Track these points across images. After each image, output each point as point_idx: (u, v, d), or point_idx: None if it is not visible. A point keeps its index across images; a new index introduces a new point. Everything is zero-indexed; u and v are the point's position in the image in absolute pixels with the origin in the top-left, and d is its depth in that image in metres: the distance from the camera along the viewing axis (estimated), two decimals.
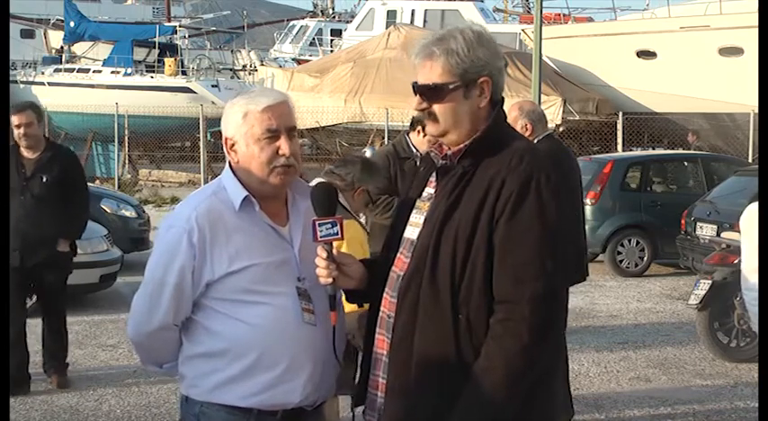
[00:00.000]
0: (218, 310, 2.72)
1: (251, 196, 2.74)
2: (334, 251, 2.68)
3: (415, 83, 2.61)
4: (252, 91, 2.86)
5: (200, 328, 2.76)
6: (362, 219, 4.82)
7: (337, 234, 2.65)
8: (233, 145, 2.77)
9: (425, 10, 34.76)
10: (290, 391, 2.72)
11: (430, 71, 2.58)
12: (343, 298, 2.86)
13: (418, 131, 5.60)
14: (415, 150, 5.67)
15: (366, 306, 2.80)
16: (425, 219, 2.61)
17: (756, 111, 16.73)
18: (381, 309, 2.67)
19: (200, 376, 2.76)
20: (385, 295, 2.66)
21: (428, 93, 2.59)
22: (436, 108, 2.59)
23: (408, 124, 5.98)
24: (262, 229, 2.75)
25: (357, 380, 2.81)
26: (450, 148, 2.64)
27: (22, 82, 31.80)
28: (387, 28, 28.94)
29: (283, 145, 2.72)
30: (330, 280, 2.65)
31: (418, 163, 5.39)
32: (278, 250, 2.76)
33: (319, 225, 2.64)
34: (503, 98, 2.66)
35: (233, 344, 2.70)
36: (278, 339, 2.70)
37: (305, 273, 2.75)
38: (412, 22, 33.28)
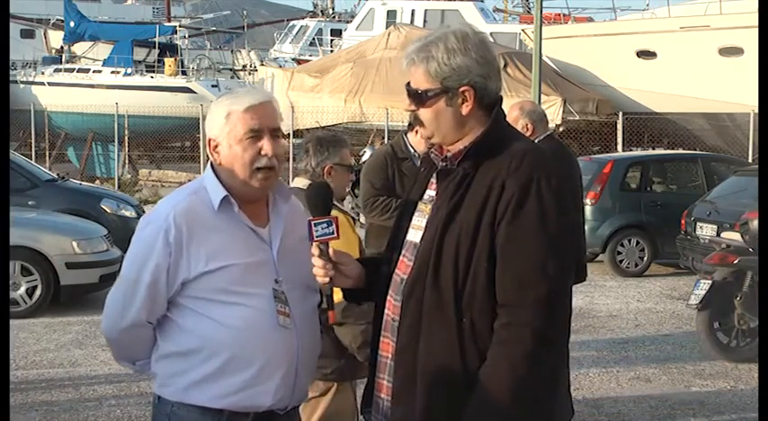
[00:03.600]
0: (193, 309, 2.71)
1: (230, 196, 2.72)
2: (331, 250, 2.67)
3: (408, 84, 2.63)
4: (236, 91, 2.84)
5: (174, 327, 2.74)
6: (347, 205, 4.68)
7: (333, 234, 2.64)
8: (216, 146, 2.76)
9: (425, 10, 34.72)
10: (261, 394, 2.71)
11: (414, 77, 2.60)
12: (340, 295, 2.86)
13: (416, 131, 5.52)
14: (413, 150, 5.63)
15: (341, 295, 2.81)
16: (427, 223, 2.60)
17: (756, 111, 16.73)
18: (386, 312, 2.66)
19: (172, 375, 2.75)
20: (389, 298, 2.65)
21: (414, 97, 2.61)
22: (421, 112, 2.61)
23: (407, 124, 5.96)
24: (240, 230, 2.74)
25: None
26: (449, 150, 2.63)
27: (22, 82, 31.74)
28: (387, 28, 28.90)
29: (266, 145, 2.70)
30: (327, 279, 2.65)
31: (417, 163, 5.36)
32: (256, 251, 2.74)
33: (315, 225, 2.64)
34: (500, 98, 2.65)
35: (205, 344, 2.69)
36: (251, 341, 2.69)
37: (283, 276, 2.74)
38: (412, 22, 33.25)
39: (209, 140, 2.77)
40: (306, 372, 2.80)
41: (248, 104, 2.71)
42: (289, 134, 21.88)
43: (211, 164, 2.79)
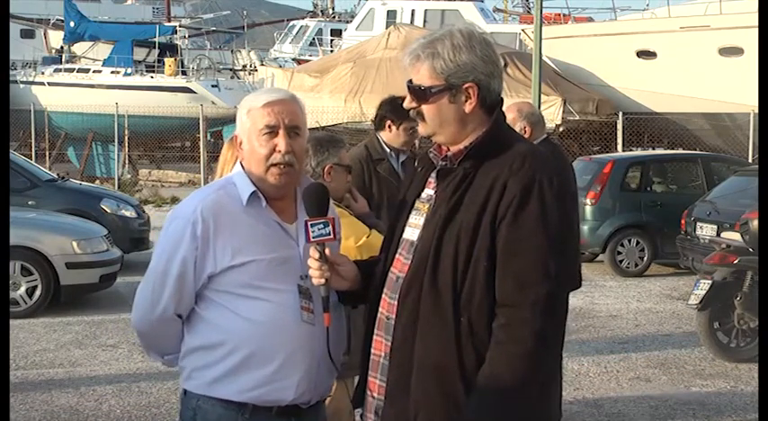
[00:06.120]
0: (219, 303, 2.74)
1: (258, 192, 2.76)
2: (327, 251, 2.67)
3: (410, 81, 2.63)
4: (261, 89, 2.89)
5: (200, 320, 2.78)
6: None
7: (330, 234, 2.65)
8: (240, 142, 2.81)
9: (425, 10, 34.73)
10: (284, 389, 2.73)
11: (417, 73, 2.60)
12: None
13: (389, 127, 5.25)
14: (388, 150, 5.32)
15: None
16: (426, 222, 2.60)
17: (756, 111, 16.73)
18: (380, 310, 2.66)
19: (197, 369, 2.78)
20: (383, 296, 2.66)
21: (416, 93, 2.61)
22: (424, 109, 2.61)
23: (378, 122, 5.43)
24: (268, 225, 2.77)
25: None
26: (449, 149, 2.63)
27: (22, 82, 31.74)
28: (387, 28, 28.90)
29: (281, 142, 2.73)
30: (323, 281, 2.66)
31: (392, 163, 5.25)
32: (282, 247, 2.77)
33: (311, 225, 2.65)
34: (501, 99, 2.65)
35: (229, 338, 2.72)
36: (274, 336, 2.71)
37: (308, 271, 2.75)
38: (412, 22, 33.27)
39: (235, 137, 2.85)
40: (329, 368, 2.81)
41: (265, 101, 2.75)
42: None
43: (240, 160, 2.84)
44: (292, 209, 2.83)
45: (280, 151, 2.72)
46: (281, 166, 2.73)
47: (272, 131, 2.73)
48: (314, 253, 2.66)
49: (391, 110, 5.13)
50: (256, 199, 2.75)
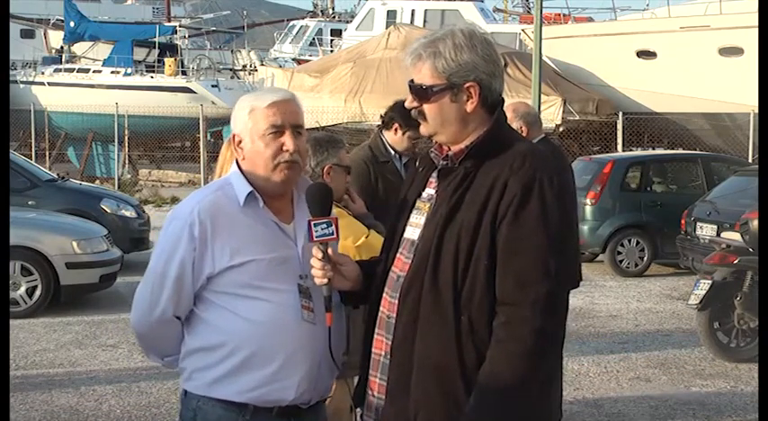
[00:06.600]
0: (218, 304, 2.74)
1: (255, 192, 2.75)
2: (330, 251, 2.67)
3: (411, 81, 2.63)
4: (260, 89, 2.88)
5: (200, 322, 2.77)
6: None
7: (333, 234, 2.65)
8: (240, 142, 2.80)
9: (425, 10, 34.74)
10: (284, 388, 2.73)
11: (419, 73, 2.60)
12: None
13: (395, 130, 5.21)
14: (392, 151, 5.27)
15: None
16: (427, 221, 2.61)
17: (756, 111, 16.73)
18: (381, 309, 2.66)
19: (197, 370, 2.78)
20: (384, 295, 2.66)
21: (418, 93, 2.61)
22: (425, 108, 2.61)
23: (381, 122, 5.39)
24: (266, 225, 2.77)
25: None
26: (450, 149, 2.64)
27: (22, 82, 31.74)
28: (387, 28, 28.91)
29: (288, 141, 2.74)
30: (325, 280, 2.66)
31: (397, 164, 5.25)
32: (281, 247, 2.77)
33: (315, 225, 2.65)
34: (502, 99, 2.66)
35: (229, 339, 2.72)
36: (275, 336, 2.71)
37: (308, 271, 2.75)
38: (412, 22, 33.28)
39: (234, 136, 2.83)
40: (329, 368, 2.81)
41: (270, 101, 2.75)
42: None
43: (237, 160, 2.83)
44: (289, 209, 2.84)
45: (287, 150, 2.73)
46: (288, 164, 2.74)
47: (277, 131, 2.74)
48: (317, 252, 2.66)
49: (402, 116, 5.09)
50: (253, 199, 2.76)
